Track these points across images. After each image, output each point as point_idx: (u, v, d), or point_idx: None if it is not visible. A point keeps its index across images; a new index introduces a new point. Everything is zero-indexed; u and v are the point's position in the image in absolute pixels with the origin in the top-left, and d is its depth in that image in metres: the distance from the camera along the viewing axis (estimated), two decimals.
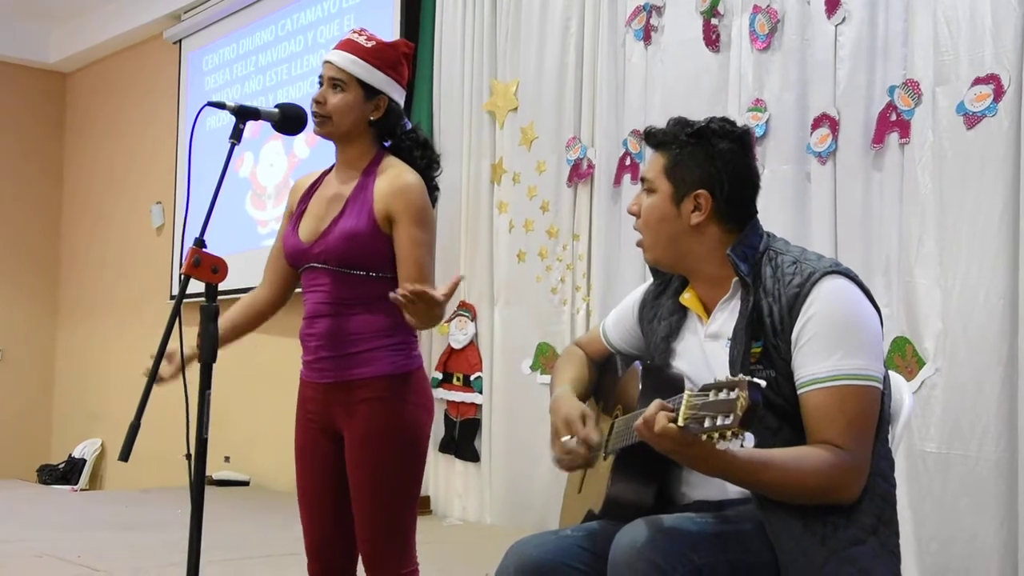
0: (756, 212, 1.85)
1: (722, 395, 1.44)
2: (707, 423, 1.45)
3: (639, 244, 1.89)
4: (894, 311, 3.44)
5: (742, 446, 1.47)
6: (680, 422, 1.49)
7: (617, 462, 1.79)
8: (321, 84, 2.27)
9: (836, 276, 1.73)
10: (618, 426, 1.84)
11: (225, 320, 2.34)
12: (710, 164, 1.80)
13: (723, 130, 1.82)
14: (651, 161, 1.87)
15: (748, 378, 1.43)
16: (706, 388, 1.48)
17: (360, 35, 2.29)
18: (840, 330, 1.69)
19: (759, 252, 1.79)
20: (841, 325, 1.69)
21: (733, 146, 1.82)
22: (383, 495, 2.22)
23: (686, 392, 1.51)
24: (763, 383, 1.43)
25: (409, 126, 2.36)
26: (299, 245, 2.28)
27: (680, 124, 1.84)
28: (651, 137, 1.87)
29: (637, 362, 1.89)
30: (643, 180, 1.88)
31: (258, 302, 2.41)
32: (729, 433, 1.43)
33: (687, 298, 1.88)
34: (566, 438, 1.85)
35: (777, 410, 1.71)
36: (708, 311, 1.85)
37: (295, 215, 2.34)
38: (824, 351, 1.68)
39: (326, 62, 2.27)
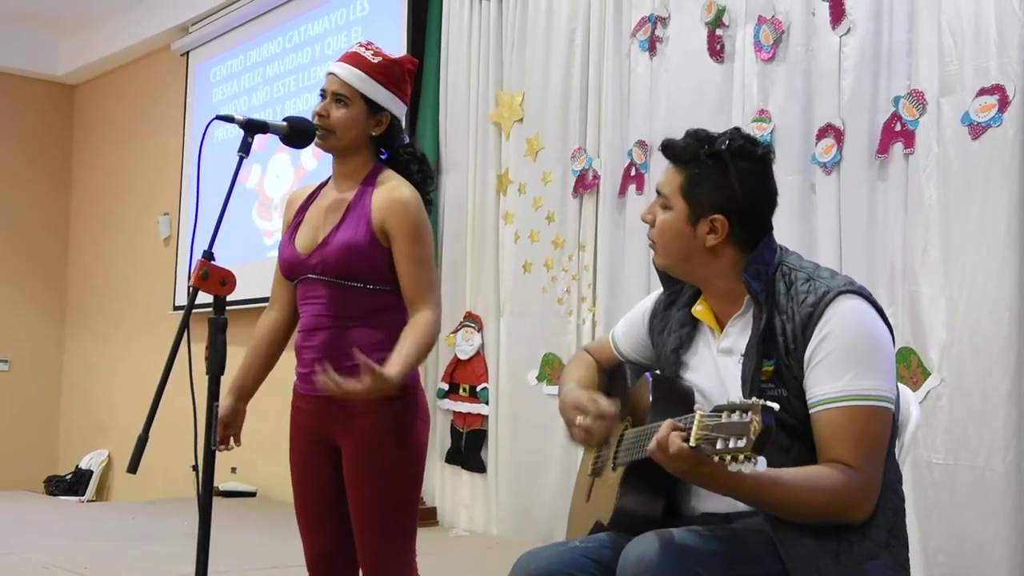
0: (771, 228, 1.83)
1: (735, 417, 1.44)
2: (719, 444, 1.44)
3: (651, 247, 1.87)
4: (899, 321, 3.43)
5: (755, 469, 1.47)
6: (692, 442, 1.49)
7: (627, 474, 1.79)
8: (323, 96, 2.27)
9: (850, 296, 1.72)
10: (628, 438, 1.84)
11: (251, 359, 2.39)
12: (728, 188, 1.76)
13: (743, 150, 1.77)
14: (668, 175, 1.82)
15: (762, 402, 1.43)
16: (719, 409, 1.48)
17: (366, 49, 2.29)
18: (853, 350, 1.68)
19: (772, 268, 1.78)
20: (854, 345, 1.68)
21: (754, 167, 1.78)
22: (383, 508, 2.21)
23: (698, 412, 1.51)
24: (776, 407, 1.43)
25: (407, 140, 2.36)
26: (296, 256, 2.28)
27: (699, 140, 1.79)
28: (668, 150, 1.83)
29: (648, 372, 1.88)
30: (659, 193, 1.84)
31: (276, 326, 2.40)
32: (742, 456, 1.43)
33: (700, 311, 1.87)
34: (580, 419, 1.83)
35: (789, 429, 1.70)
36: (721, 324, 1.84)
37: (291, 226, 2.34)
38: (836, 371, 1.67)
39: (330, 74, 2.27)
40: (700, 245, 1.79)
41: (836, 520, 1.65)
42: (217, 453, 2.04)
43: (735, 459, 1.44)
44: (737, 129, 1.84)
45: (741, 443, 1.42)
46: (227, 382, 2.06)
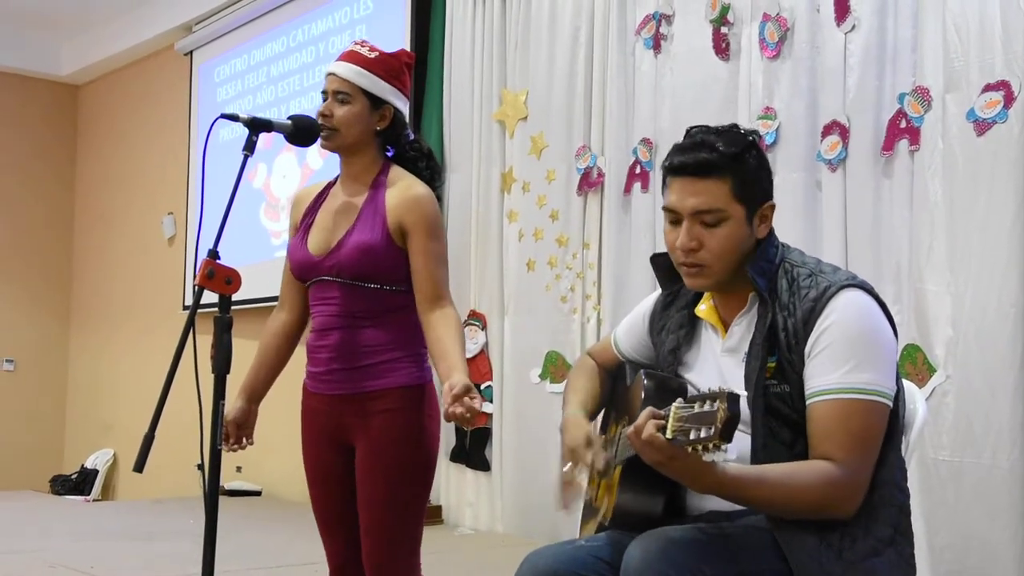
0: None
1: (705, 407, 1.45)
2: (692, 435, 1.45)
3: (692, 268, 1.77)
4: (904, 318, 3.43)
5: (725, 459, 1.47)
6: (668, 435, 1.49)
7: (625, 472, 1.79)
8: (325, 97, 2.28)
9: (853, 289, 1.72)
10: (623, 435, 1.84)
11: (262, 360, 2.39)
12: (766, 173, 1.80)
13: (755, 140, 1.80)
14: (709, 189, 1.73)
15: (728, 390, 1.43)
16: (691, 400, 1.48)
17: (362, 46, 2.30)
18: (852, 342, 1.67)
19: (775, 265, 1.78)
20: (854, 337, 1.68)
21: (763, 153, 1.82)
22: (392, 508, 2.21)
23: (673, 404, 1.51)
24: (744, 394, 1.43)
25: (412, 136, 2.36)
26: (309, 258, 2.28)
27: (728, 140, 1.75)
28: (706, 167, 1.73)
29: (642, 371, 1.88)
30: (698, 212, 1.74)
31: (286, 327, 2.40)
32: (711, 445, 1.43)
33: (703, 310, 1.86)
34: (566, 468, 1.85)
35: (792, 425, 1.70)
36: (725, 324, 1.83)
37: (302, 228, 2.34)
38: (834, 363, 1.67)
39: (330, 74, 2.28)
40: (752, 241, 1.78)
41: (820, 517, 1.65)
42: (223, 452, 2.05)
43: (706, 449, 1.44)
44: (739, 127, 1.83)
45: (710, 432, 1.42)
46: (233, 381, 2.05)
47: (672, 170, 1.77)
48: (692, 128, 1.82)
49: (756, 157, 1.78)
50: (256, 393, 2.39)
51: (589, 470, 1.83)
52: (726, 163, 1.73)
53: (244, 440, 2.37)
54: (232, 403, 2.34)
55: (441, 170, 2.39)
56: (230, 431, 2.33)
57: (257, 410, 2.39)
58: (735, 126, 1.82)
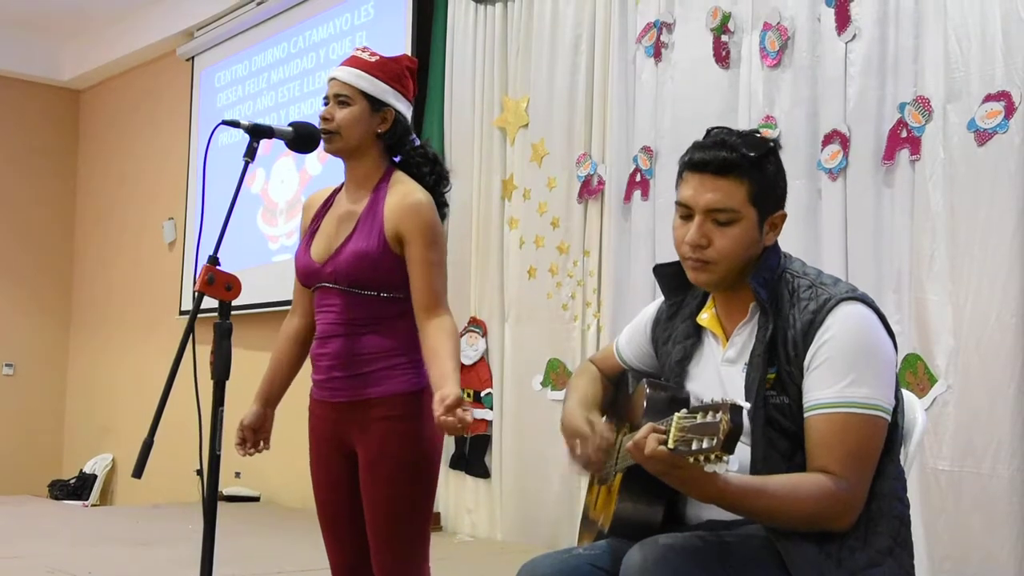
0: None
1: (708, 418, 1.45)
2: (694, 445, 1.45)
3: (698, 263, 1.76)
4: (905, 328, 3.43)
5: (727, 470, 1.47)
6: (670, 444, 1.49)
7: (624, 480, 1.79)
8: (327, 102, 2.28)
9: (852, 302, 1.71)
10: (625, 445, 1.84)
11: (276, 365, 2.39)
12: (781, 180, 1.79)
13: (776, 147, 1.80)
14: (725, 189, 1.73)
15: (731, 401, 1.43)
16: (694, 410, 1.48)
17: (363, 52, 2.31)
18: (852, 356, 1.67)
19: (776, 275, 1.78)
20: (853, 351, 1.67)
21: (781, 162, 1.81)
22: (397, 513, 2.21)
23: (676, 414, 1.51)
24: (747, 406, 1.43)
25: (418, 142, 2.35)
26: (311, 265, 2.28)
27: (751, 145, 1.74)
28: (726, 165, 1.72)
29: (644, 379, 1.88)
30: (713, 210, 1.73)
31: (299, 332, 2.40)
32: (713, 456, 1.43)
33: (705, 319, 1.86)
34: (579, 452, 1.83)
35: (790, 436, 1.70)
36: (727, 334, 1.83)
37: (307, 234, 2.35)
38: (833, 376, 1.66)
39: (331, 79, 2.29)
40: (760, 248, 1.78)
41: (817, 529, 1.64)
42: (221, 458, 2.04)
43: (708, 459, 1.44)
44: (755, 129, 1.84)
45: (712, 443, 1.42)
46: (232, 387, 2.06)
47: (691, 165, 1.77)
48: (713, 128, 1.82)
49: (775, 164, 1.78)
50: (272, 398, 2.40)
51: (597, 450, 1.82)
52: (747, 165, 1.73)
53: (261, 444, 2.38)
54: (248, 408, 2.36)
55: (448, 175, 2.36)
56: (247, 435, 2.35)
57: (273, 414, 2.40)
58: (757, 131, 1.82)
